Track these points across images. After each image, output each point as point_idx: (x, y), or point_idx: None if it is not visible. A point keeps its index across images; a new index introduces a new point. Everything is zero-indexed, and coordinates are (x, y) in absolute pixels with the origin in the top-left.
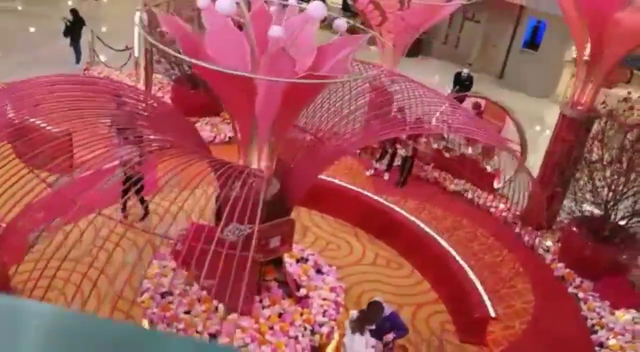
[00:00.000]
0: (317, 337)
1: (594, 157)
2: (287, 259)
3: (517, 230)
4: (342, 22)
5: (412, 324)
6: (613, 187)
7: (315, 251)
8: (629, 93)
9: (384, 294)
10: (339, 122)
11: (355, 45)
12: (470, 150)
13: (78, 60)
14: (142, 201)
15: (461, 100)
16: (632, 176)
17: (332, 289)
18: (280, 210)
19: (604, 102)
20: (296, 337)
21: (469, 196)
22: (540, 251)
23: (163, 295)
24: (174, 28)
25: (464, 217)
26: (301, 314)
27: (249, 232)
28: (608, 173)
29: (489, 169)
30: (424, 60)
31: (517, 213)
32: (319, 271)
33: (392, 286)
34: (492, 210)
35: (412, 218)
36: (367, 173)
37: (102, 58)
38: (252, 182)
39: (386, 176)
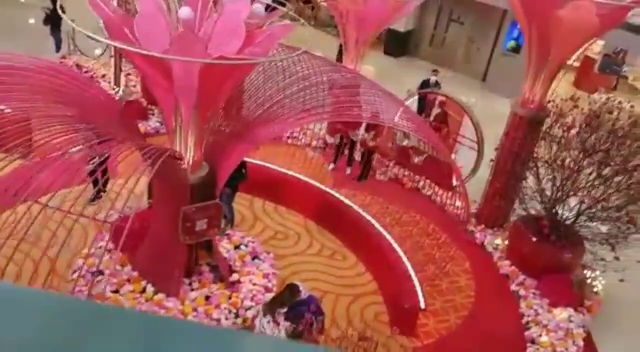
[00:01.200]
0: (239, 320)
1: (542, 156)
2: (226, 245)
3: (470, 228)
4: (259, 7)
5: (346, 314)
6: (558, 186)
7: (261, 239)
8: (609, 99)
9: (323, 284)
10: (272, 107)
11: (281, 31)
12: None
13: (58, 49)
14: (95, 183)
15: (425, 97)
16: (579, 176)
17: (265, 276)
18: (208, 194)
19: (551, 102)
20: (219, 320)
21: (427, 193)
22: (490, 249)
23: (94, 274)
24: (99, 10)
25: (420, 214)
26: (229, 298)
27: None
28: (555, 172)
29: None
30: (409, 61)
31: (473, 211)
32: (255, 258)
33: (333, 276)
34: (449, 208)
35: (360, 211)
36: (329, 167)
37: (83, 47)
38: (176, 164)
39: (348, 171)
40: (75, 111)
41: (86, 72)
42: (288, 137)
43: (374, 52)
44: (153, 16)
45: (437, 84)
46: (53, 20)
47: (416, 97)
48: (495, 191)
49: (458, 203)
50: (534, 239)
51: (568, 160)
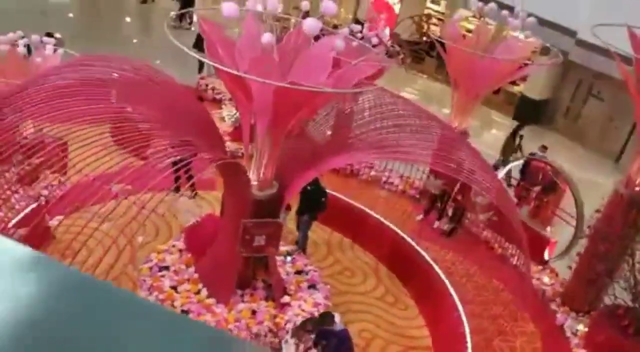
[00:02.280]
0: (276, 340)
1: None
2: (289, 269)
3: (553, 307)
4: (340, 42)
5: None
6: None
7: (328, 271)
8: None
9: (375, 327)
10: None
11: (366, 68)
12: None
13: (200, 70)
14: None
15: (529, 164)
16: None
17: (315, 305)
18: (271, 211)
19: None
20: (257, 335)
21: (514, 262)
22: (568, 333)
23: (161, 269)
24: (212, 30)
25: (502, 282)
26: (274, 317)
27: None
28: None
29: (544, 236)
30: (538, 131)
31: (560, 290)
32: (312, 286)
33: (388, 322)
34: (535, 281)
35: (433, 264)
36: (417, 218)
37: None
38: (244, 178)
39: (436, 224)
40: (180, 122)
41: (217, 93)
42: (384, 182)
43: (502, 115)
44: (252, 40)
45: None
46: (199, 43)
47: (521, 162)
48: (584, 273)
49: (546, 279)
50: (614, 331)
51: None
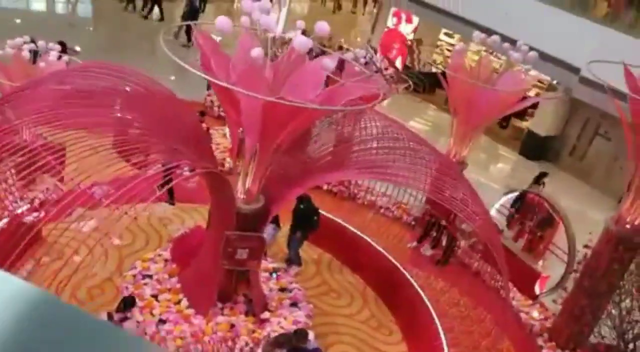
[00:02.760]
0: None
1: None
2: (272, 285)
3: (540, 342)
4: (329, 62)
5: None
6: (628, 317)
7: (314, 292)
8: None
9: (354, 350)
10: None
11: (355, 88)
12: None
13: (209, 87)
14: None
15: (524, 196)
16: None
17: (295, 322)
18: (256, 225)
19: None
20: (232, 349)
21: (504, 294)
22: None
23: (144, 276)
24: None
25: (490, 314)
26: (252, 332)
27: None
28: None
29: (535, 270)
30: (543, 167)
31: (548, 326)
32: (294, 304)
33: (369, 346)
34: (524, 315)
35: (421, 292)
36: (409, 245)
37: None
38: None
39: (427, 252)
40: (170, 132)
41: (222, 110)
42: (380, 207)
43: (508, 149)
44: (245, 55)
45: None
46: None
47: (515, 194)
48: (570, 309)
49: (535, 314)
50: None
51: None
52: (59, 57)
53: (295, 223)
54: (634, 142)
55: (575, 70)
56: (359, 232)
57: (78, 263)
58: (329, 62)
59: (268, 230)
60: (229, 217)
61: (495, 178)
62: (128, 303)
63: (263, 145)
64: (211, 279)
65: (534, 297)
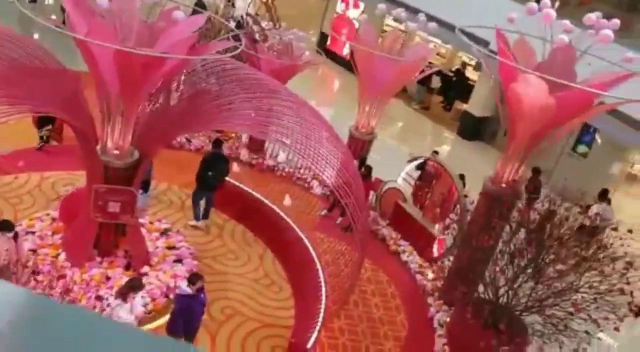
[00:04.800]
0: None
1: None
2: (160, 244)
3: (430, 301)
4: (179, 13)
5: (243, 338)
6: (507, 274)
7: (211, 254)
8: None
9: (242, 306)
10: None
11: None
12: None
13: None
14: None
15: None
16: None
17: (173, 276)
18: (128, 179)
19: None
20: (100, 298)
21: (404, 258)
22: (436, 324)
23: (27, 233)
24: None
25: (389, 277)
26: None
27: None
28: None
29: (432, 233)
30: (481, 147)
31: (439, 285)
32: (178, 261)
33: (255, 302)
34: (418, 277)
35: (312, 252)
36: (320, 212)
37: None
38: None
39: (338, 220)
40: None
41: None
42: (298, 178)
43: (449, 132)
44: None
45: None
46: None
47: (417, 163)
48: (455, 269)
49: (430, 275)
50: (470, 323)
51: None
52: None
53: (202, 171)
54: (504, 102)
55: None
56: (264, 200)
57: None
58: (179, 14)
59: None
60: (95, 170)
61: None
62: None
63: (126, 99)
64: (86, 233)
65: (433, 260)
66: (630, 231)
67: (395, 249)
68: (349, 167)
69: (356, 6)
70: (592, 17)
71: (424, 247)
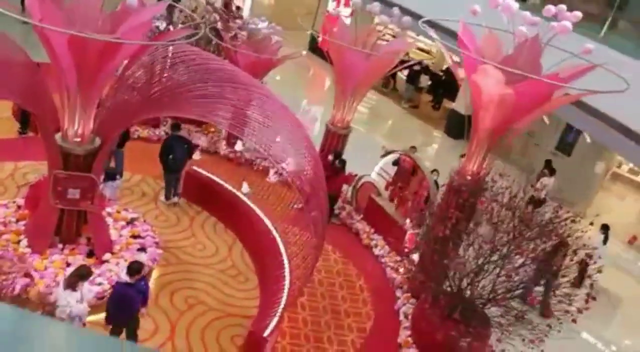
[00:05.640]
0: None
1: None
2: (125, 233)
3: (399, 294)
4: (132, 1)
5: (203, 328)
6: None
7: (180, 244)
8: None
9: (205, 296)
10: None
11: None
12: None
13: None
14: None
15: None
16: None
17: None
18: (85, 166)
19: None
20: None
21: (376, 252)
22: (402, 317)
23: None
24: None
25: (358, 270)
26: None
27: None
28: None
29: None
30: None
31: (407, 278)
32: (141, 249)
33: (220, 292)
34: (388, 270)
35: (280, 245)
36: (295, 206)
37: None
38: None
39: (313, 213)
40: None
41: None
42: (275, 172)
43: (438, 131)
44: None
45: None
46: None
47: (391, 156)
48: (420, 261)
49: (402, 269)
50: (432, 313)
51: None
52: None
53: (162, 154)
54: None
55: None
56: (235, 192)
57: None
58: (132, 1)
59: (109, 184)
60: (54, 156)
61: (432, 160)
62: None
63: (82, 84)
64: (46, 219)
65: (404, 254)
66: (591, 224)
67: (368, 243)
68: (310, 154)
69: (347, 4)
70: (552, 8)
71: (396, 241)
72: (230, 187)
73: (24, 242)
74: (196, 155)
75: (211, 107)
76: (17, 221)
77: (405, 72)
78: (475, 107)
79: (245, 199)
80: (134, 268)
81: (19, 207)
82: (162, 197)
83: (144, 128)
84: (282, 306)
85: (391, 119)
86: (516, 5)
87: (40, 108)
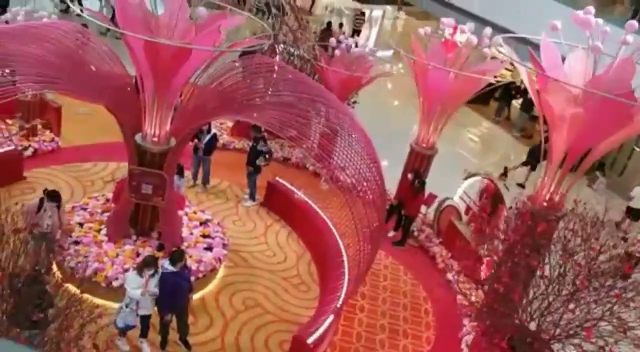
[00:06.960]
0: None
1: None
2: (197, 232)
3: (465, 322)
4: (202, 9)
5: (255, 329)
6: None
7: (252, 249)
8: None
9: (263, 300)
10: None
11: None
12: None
13: None
14: None
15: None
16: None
17: (198, 261)
18: (157, 163)
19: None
20: (127, 270)
21: (449, 277)
22: (463, 345)
23: (81, 209)
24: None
25: (428, 294)
26: None
27: None
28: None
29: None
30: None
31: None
32: (208, 249)
33: (279, 298)
34: (459, 297)
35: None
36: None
37: None
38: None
39: (390, 233)
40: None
41: None
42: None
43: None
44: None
45: None
46: None
47: (472, 180)
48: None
49: (473, 298)
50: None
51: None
52: None
53: (249, 159)
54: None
55: None
56: (311, 203)
57: None
58: (202, 10)
59: (174, 180)
60: (131, 152)
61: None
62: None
63: (159, 89)
64: (122, 210)
65: (478, 281)
66: None
67: (443, 268)
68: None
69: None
70: (635, 24)
71: (472, 268)
72: (307, 199)
73: (104, 231)
74: (260, 161)
75: (285, 117)
76: (103, 212)
77: (520, 100)
78: (550, 126)
79: (319, 210)
80: (176, 256)
81: (107, 200)
82: (249, 202)
83: (239, 139)
84: (332, 316)
85: (500, 148)
86: (600, 22)
87: (127, 113)
